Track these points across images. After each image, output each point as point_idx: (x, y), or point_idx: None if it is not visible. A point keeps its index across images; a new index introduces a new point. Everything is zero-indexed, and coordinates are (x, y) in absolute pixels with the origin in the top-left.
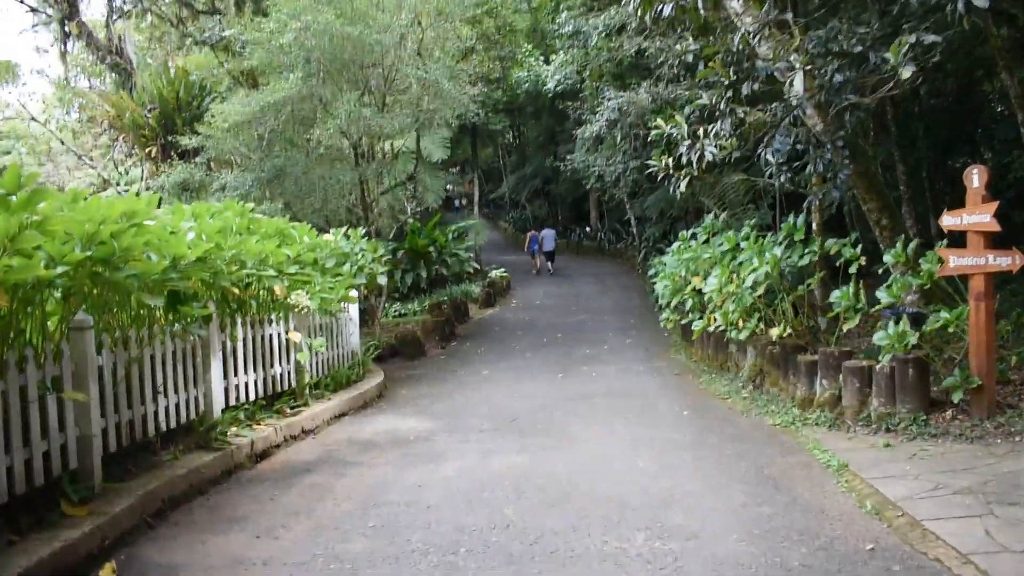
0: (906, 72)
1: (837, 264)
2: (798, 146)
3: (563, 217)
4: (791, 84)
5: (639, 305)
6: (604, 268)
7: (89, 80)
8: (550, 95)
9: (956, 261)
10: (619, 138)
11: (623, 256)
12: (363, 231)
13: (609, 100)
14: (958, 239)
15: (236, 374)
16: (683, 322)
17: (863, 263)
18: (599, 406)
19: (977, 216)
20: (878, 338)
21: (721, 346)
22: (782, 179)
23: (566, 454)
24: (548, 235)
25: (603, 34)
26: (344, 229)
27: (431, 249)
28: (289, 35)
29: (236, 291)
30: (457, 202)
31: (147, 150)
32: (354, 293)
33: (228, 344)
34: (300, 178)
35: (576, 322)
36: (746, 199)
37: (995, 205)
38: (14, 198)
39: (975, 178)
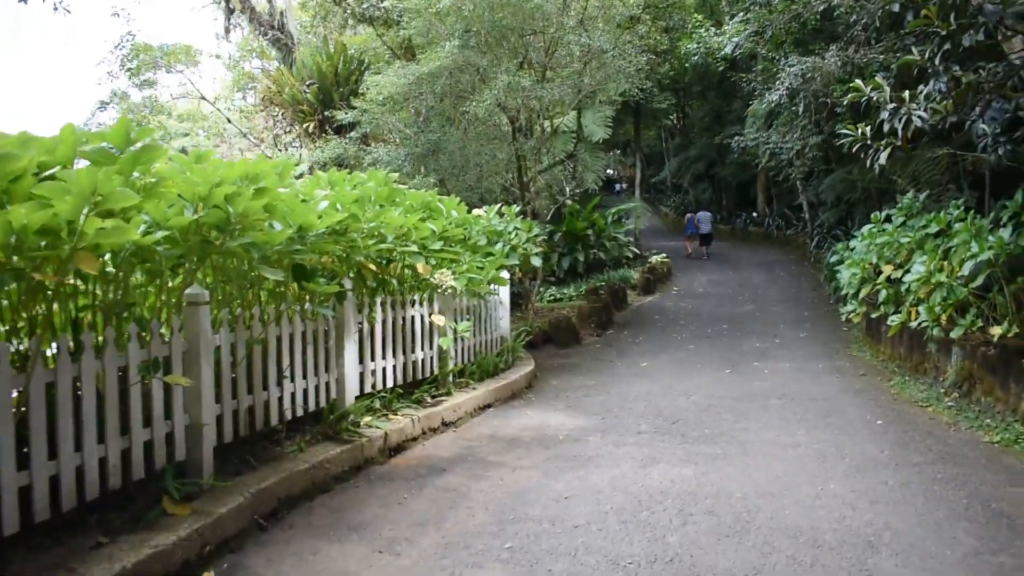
0: None
1: None
2: (1020, 113)
3: (727, 201)
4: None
5: (811, 296)
6: (772, 256)
7: (262, 62)
8: (719, 68)
9: None
10: (800, 109)
11: (793, 243)
12: (518, 209)
13: (791, 67)
14: None
15: (373, 359)
16: (873, 315)
17: None
18: (774, 409)
19: None
20: None
21: (917, 345)
22: (1000, 152)
23: (739, 468)
24: (704, 217)
25: None
26: (498, 206)
27: (589, 232)
28: (446, 0)
29: (373, 268)
30: (618, 185)
31: (305, 125)
32: (505, 275)
33: (365, 326)
34: (455, 154)
35: (743, 312)
36: (945, 178)
37: None
38: (119, 154)
39: None
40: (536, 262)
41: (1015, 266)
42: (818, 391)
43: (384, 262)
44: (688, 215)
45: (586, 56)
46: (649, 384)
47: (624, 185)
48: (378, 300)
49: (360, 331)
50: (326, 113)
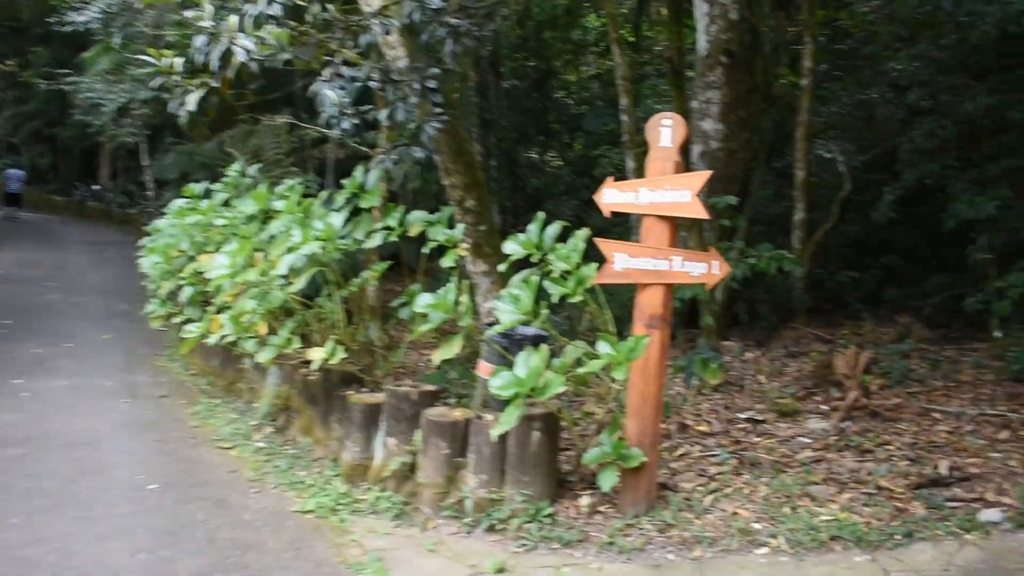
0: None
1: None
2: (371, 83)
3: (67, 170)
4: None
5: (138, 285)
6: (108, 236)
7: None
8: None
9: (626, 262)
10: (118, 41)
11: (135, 223)
12: None
13: None
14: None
15: None
16: (177, 319)
17: (463, 253)
18: None
19: (669, 193)
20: (500, 384)
21: (230, 358)
22: (345, 126)
23: None
24: (13, 176)
25: None
26: None
27: None
28: None
29: None
30: None
31: None
32: None
33: None
34: None
35: (44, 304)
36: (289, 160)
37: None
38: None
39: (664, 133)
40: None
41: (353, 266)
42: (87, 429)
43: None
44: None
45: None
46: None
47: None
48: None
49: None
50: None
